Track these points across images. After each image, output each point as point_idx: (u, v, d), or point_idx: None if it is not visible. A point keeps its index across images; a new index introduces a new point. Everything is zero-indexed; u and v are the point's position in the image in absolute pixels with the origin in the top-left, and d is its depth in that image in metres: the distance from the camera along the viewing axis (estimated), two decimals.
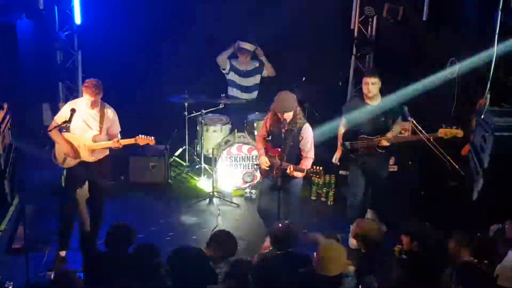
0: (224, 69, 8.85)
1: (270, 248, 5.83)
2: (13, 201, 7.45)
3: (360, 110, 6.57)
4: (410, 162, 8.34)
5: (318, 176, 6.75)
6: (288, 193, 6.30)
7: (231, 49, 8.79)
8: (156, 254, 4.88)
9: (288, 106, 6.10)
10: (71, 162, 6.25)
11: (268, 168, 6.35)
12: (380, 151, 6.55)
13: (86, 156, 6.23)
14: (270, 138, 6.48)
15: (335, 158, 6.93)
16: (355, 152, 6.67)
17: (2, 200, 7.12)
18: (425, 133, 6.25)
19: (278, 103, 6.14)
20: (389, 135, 6.52)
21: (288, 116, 6.10)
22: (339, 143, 6.85)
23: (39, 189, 7.92)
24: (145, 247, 4.94)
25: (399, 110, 6.58)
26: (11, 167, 7.47)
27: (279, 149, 6.21)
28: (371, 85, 6.43)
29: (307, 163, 6.23)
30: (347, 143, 6.69)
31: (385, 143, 6.45)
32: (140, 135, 6.21)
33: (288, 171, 6.07)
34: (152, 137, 6.23)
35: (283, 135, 6.11)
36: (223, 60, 8.80)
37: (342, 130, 6.82)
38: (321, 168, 6.64)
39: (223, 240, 4.95)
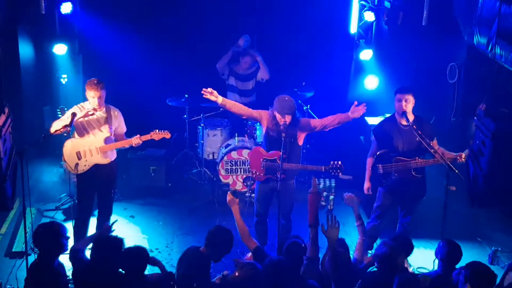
0: (223, 75, 8.87)
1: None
2: (14, 205, 7.46)
3: (393, 132, 6.26)
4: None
5: (339, 171, 6.18)
6: (285, 195, 6.32)
7: (229, 54, 8.79)
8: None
9: (291, 107, 6.16)
10: (84, 167, 6.28)
11: (263, 173, 6.37)
12: (416, 175, 6.23)
13: (99, 159, 6.28)
14: (264, 141, 6.49)
15: (366, 189, 6.51)
16: (388, 177, 6.27)
17: (3, 204, 7.13)
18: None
19: (282, 105, 6.16)
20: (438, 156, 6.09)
21: (289, 118, 6.15)
22: (367, 174, 6.46)
23: (40, 192, 7.95)
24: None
25: (433, 128, 6.36)
26: (12, 171, 7.48)
27: (279, 151, 6.22)
28: (405, 102, 6.16)
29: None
30: (380, 166, 6.27)
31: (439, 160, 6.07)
32: (155, 130, 6.40)
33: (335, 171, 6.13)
34: (167, 131, 6.44)
35: (282, 138, 6.11)
36: (222, 66, 8.81)
37: (371, 160, 6.41)
38: (340, 162, 6.18)
39: (217, 238, 4.96)
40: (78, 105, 6.32)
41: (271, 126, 6.28)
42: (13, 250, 6.67)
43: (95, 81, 6.16)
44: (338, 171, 6.15)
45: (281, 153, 6.17)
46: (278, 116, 6.17)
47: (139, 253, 4.75)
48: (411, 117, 6.24)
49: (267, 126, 6.34)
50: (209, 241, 4.94)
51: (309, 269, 4.89)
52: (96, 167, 6.30)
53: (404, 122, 6.24)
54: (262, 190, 6.55)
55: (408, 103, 6.17)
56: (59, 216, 7.53)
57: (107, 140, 6.28)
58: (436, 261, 5.10)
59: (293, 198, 6.50)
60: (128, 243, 6.82)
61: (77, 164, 6.27)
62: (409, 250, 5.32)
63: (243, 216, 7.00)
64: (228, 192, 5.37)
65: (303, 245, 4.83)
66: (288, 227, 6.52)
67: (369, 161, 6.47)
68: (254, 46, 8.88)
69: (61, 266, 4.94)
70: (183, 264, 4.97)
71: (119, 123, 6.41)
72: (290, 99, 6.21)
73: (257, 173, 6.44)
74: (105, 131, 6.27)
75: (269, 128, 6.33)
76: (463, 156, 6.11)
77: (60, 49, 8.30)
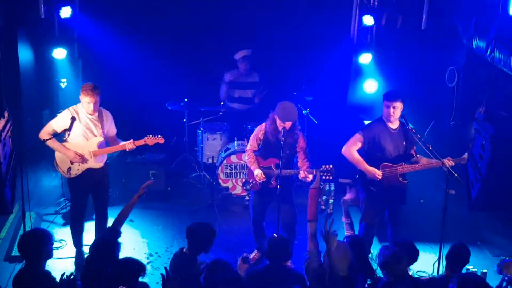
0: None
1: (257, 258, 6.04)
2: (14, 209, 7.45)
3: (382, 135, 6.18)
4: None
5: (330, 174, 6.15)
6: (286, 202, 6.33)
7: (226, 80, 8.83)
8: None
9: (293, 115, 6.17)
10: (77, 171, 6.27)
11: (263, 181, 6.37)
12: (402, 181, 6.21)
13: (92, 163, 6.27)
14: (261, 148, 6.46)
15: (379, 174, 6.13)
16: (375, 182, 6.18)
17: (2, 208, 7.13)
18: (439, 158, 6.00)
19: (283, 112, 6.16)
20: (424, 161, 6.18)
21: (289, 124, 6.16)
22: (361, 162, 6.17)
23: (40, 196, 7.94)
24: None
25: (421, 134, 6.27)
26: (12, 175, 7.48)
27: (275, 159, 6.24)
28: (393, 108, 6.06)
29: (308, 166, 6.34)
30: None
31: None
32: (149, 135, 6.38)
33: (301, 176, 6.14)
34: (160, 136, 6.42)
35: (281, 143, 6.12)
36: (224, 97, 8.91)
37: (355, 151, 6.20)
38: (331, 166, 6.13)
39: (196, 232, 4.99)
40: (71, 108, 6.25)
41: (270, 130, 6.29)
42: (13, 254, 6.65)
43: (91, 87, 6.06)
44: (329, 174, 6.14)
45: (276, 160, 6.21)
46: (278, 121, 6.19)
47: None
48: (397, 123, 6.18)
49: (266, 130, 6.35)
50: (190, 237, 4.99)
51: (310, 262, 4.91)
52: (89, 171, 6.28)
53: (392, 126, 6.20)
54: (258, 199, 6.56)
55: (396, 110, 6.08)
56: (58, 220, 7.51)
57: (100, 145, 6.26)
58: (436, 264, 5.10)
59: (293, 207, 6.46)
60: (128, 247, 6.89)
61: (69, 168, 6.24)
62: (414, 256, 5.23)
63: (244, 220, 7.02)
64: (240, 258, 5.15)
65: None
66: (292, 238, 6.40)
67: (352, 152, 6.19)
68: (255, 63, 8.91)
69: (47, 273, 4.83)
70: (171, 269, 4.97)
71: (110, 126, 6.37)
72: (293, 107, 6.21)
73: (254, 183, 6.45)
74: (98, 136, 6.24)
75: (267, 132, 6.33)
76: (446, 163, 5.98)
77: (59, 53, 8.30)
